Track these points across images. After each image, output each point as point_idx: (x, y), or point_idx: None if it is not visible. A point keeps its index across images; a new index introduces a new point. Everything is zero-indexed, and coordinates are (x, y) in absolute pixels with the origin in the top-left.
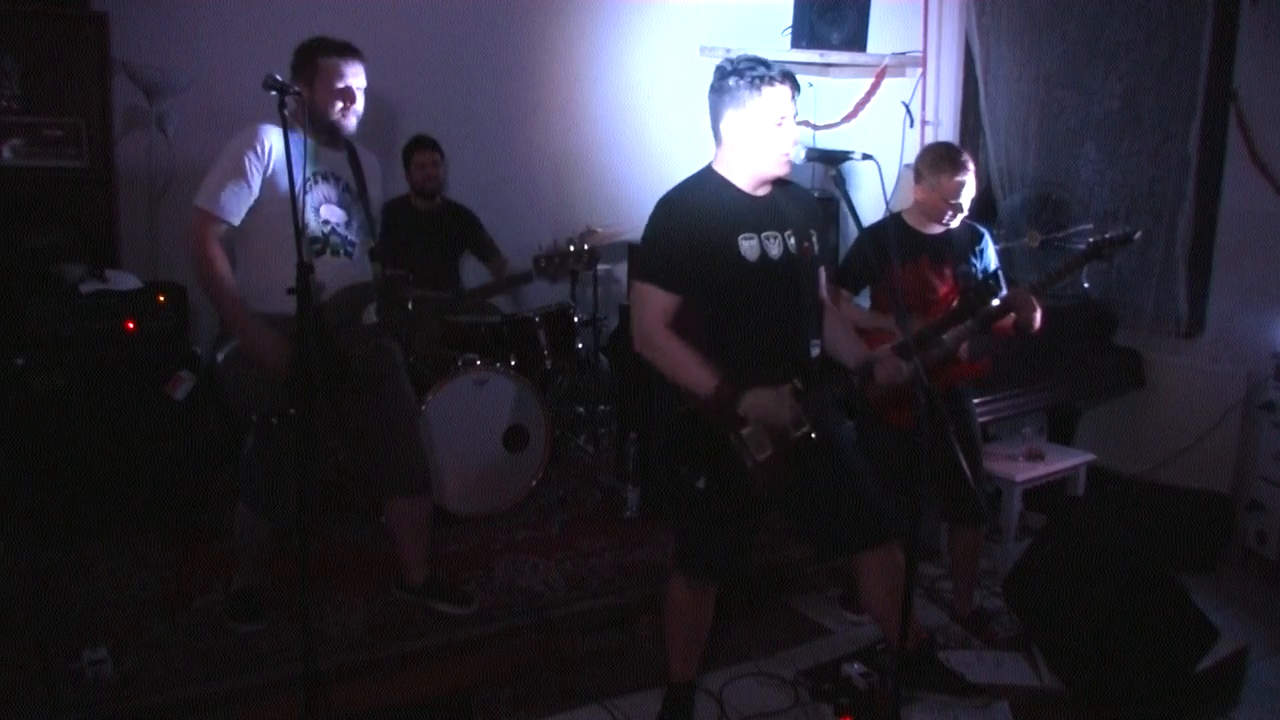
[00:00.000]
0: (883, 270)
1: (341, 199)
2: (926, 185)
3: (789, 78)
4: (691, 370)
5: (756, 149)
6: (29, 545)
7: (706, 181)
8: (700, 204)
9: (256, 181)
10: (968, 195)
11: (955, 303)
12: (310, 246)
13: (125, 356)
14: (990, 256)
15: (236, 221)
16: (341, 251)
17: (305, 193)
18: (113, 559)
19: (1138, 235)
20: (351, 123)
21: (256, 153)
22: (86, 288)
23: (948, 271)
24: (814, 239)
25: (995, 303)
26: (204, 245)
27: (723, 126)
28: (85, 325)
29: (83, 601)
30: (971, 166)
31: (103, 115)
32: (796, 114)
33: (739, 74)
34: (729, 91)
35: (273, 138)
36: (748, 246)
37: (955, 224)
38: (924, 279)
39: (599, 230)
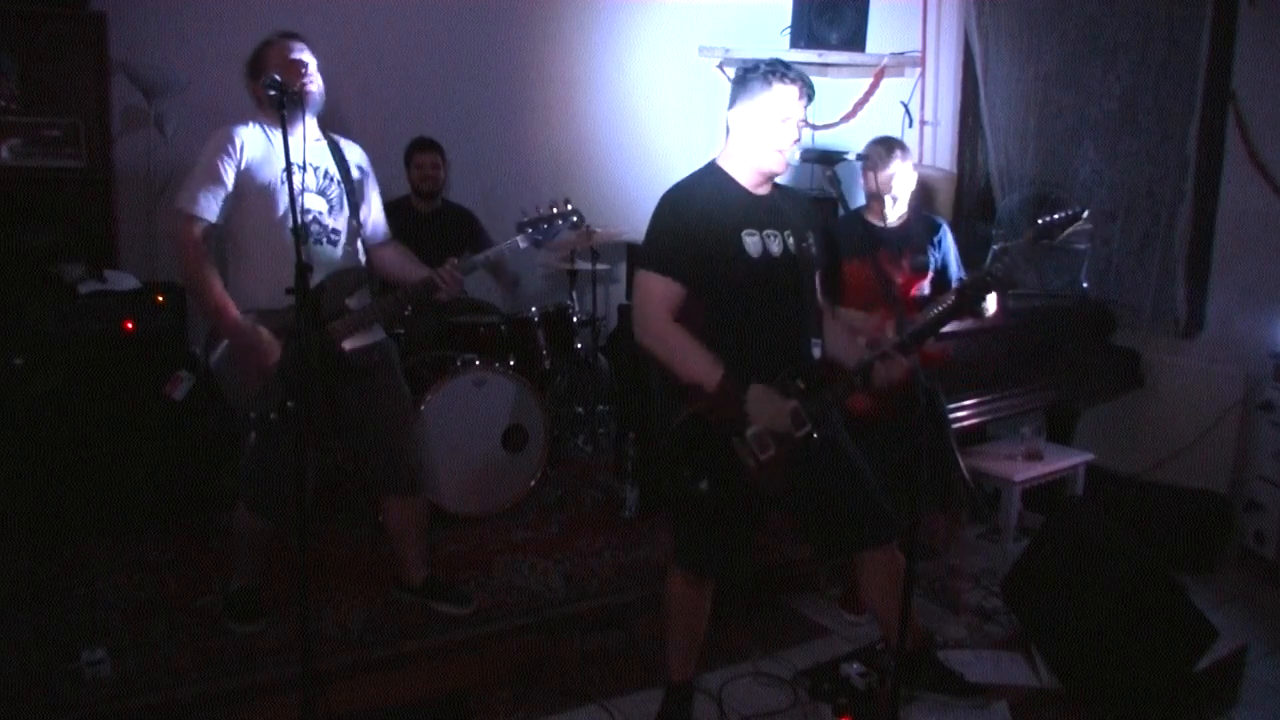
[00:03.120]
0: (839, 264)
1: (322, 187)
2: (869, 178)
3: (803, 80)
4: (695, 361)
5: (757, 142)
6: (28, 545)
7: (710, 177)
8: (704, 199)
9: (231, 180)
10: (903, 185)
11: (951, 301)
12: (293, 236)
13: (124, 357)
14: (949, 247)
15: (215, 219)
16: (324, 240)
17: (281, 184)
18: (112, 559)
19: (1085, 213)
20: (311, 91)
21: (228, 152)
22: (85, 288)
23: (905, 263)
24: (811, 241)
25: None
26: (187, 246)
27: (731, 116)
28: (84, 325)
29: (81, 601)
30: (907, 158)
31: (101, 115)
32: (804, 119)
33: (757, 69)
34: (745, 84)
35: (244, 136)
36: (751, 242)
37: (893, 217)
38: (882, 272)
39: (599, 230)
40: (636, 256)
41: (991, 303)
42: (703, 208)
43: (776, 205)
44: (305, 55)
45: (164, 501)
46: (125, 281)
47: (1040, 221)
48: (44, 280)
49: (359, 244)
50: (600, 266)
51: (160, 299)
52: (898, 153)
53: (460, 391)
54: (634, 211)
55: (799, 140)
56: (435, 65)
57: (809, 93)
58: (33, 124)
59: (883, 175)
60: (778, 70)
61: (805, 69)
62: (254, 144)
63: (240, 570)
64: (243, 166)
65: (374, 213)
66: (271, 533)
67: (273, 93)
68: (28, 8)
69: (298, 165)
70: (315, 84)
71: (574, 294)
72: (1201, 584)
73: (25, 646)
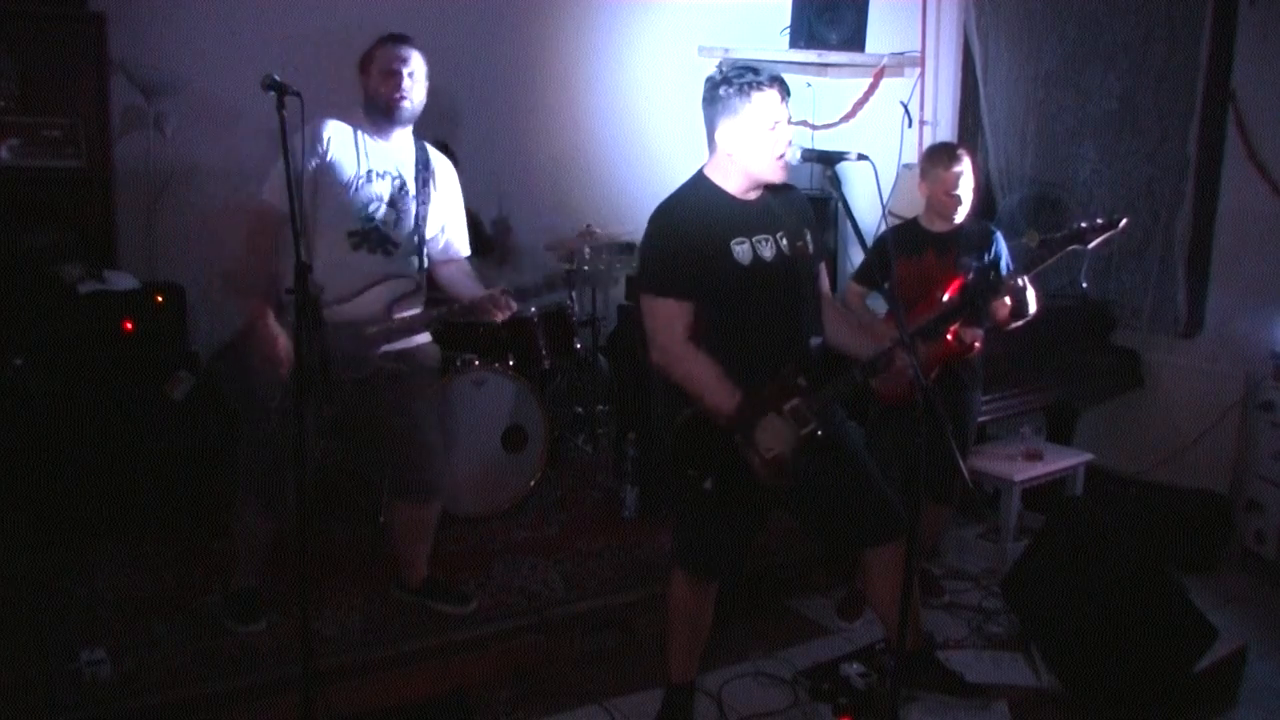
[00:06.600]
0: (883, 271)
1: (394, 197)
2: (928, 181)
3: (778, 81)
4: (713, 392)
5: (753, 155)
6: (28, 545)
7: (697, 189)
8: (692, 212)
9: (310, 172)
10: (966, 186)
11: (954, 297)
12: (349, 239)
13: (123, 357)
14: (1003, 253)
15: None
16: (380, 250)
17: (357, 189)
18: (112, 559)
19: (1124, 223)
20: (403, 105)
21: (312, 146)
22: (84, 288)
23: (951, 266)
24: (808, 238)
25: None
26: (260, 237)
27: (718, 136)
28: (83, 325)
29: (81, 602)
30: (968, 159)
31: (100, 115)
32: (790, 117)
33: (728, 82)
34: (720, 101)
35: (331, 130)
36: (740, 250)
37: (960, 218)
38: (926, 273)
39: (598, 230)
40: (641, 280)
41: (1033, 301)
42: (691, 222)
43: (767, 208)
44: (404, 66)
45: (164, 501)
46: (125, 281)
47: (1077, 226)
48: (44, 280)
49: (419, 258)
50: (601, 266)
51: (159, 299)
52: (960, 154)
53: (460, 392)
54: (634, 211)
55: (793, 143)
56: (435, 66)
57: (786, 89)
58: (33, 124)
59: (947, 176)
60: (749, 80)
61: (805, 69)
62: (340, 141)
63: (240, 570)
64: (326, 161)
65: (451, 229)
66: (272, 533)
67: (271, 93)
68: (28, 8)
69: (377, 173)
70: (410, 98)
71: (574, 294)
72: (1201, 584)
73: (25, 646)
